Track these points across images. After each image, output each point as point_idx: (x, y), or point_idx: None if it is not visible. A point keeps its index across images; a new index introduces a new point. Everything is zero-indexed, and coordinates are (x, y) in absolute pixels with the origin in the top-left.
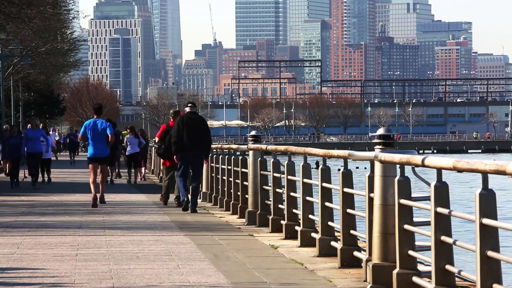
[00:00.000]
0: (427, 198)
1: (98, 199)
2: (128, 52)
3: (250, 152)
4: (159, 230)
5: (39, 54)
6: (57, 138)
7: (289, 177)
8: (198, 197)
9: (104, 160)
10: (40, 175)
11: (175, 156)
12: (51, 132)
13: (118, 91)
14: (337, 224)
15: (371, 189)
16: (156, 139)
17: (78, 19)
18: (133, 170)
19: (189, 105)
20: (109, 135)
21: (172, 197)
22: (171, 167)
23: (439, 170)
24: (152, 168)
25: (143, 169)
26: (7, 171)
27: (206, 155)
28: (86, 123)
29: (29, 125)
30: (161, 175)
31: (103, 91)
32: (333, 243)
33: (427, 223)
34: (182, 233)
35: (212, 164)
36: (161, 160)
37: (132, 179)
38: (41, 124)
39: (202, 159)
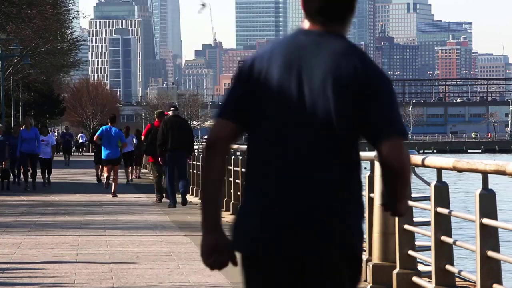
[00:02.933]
0: (427, 198)
1: (111, 186)
2: (128, 52)
3: None
4: (159, 230)
5: (39, 54)
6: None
7: None
8: (187, 192)
9: (116, 161)
10: (40, 177)
11: (160, 158)
12: (50, 132)
13: (118, 91)
14: None
15: (371, 189)
16: (142, 137)
17: (78, 19)
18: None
19: (171, 108)
20: (123, 144)
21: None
22: (155, 163)
23: (439, 170)
24: (151, 167)
25: (137, 167)
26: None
27: (189, 154)
28: (103, 128)
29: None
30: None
31: (103, 91)
32: None
33: (427, 223)
34: (182, 233)
35: None
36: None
37: (129, 179)
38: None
39: (186, 158)
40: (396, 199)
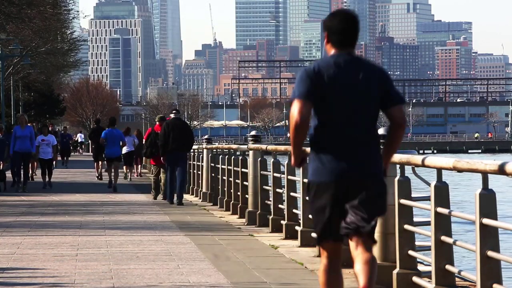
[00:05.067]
0: (427, 198)
1: (112, 184)
2: (128, 52)
3: (250, 152)
4: (159, 230)
5: (39, 54)
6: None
7: (289, 177)
8: (185, 191)
9: (117, 158)
10: (37, 178)
11: (162, 157)
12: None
13: (118, 91)
14: None
15: None
16: (144, 140)
17: (78, 19)
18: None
19: (173, 111)
20: (123, 143)
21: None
22: (156, 165)
23: (439, 170)
24: (151, 168)
25: (139, 166)
26: None
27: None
28: (106, 131)
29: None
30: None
31: (103, 91)
32: None
33: (427, 223)
34: (182, 233)
35: (212, 164)
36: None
37: (127, 176)
38: (50, 125)
39: (186, 158)
40: (388, 156)
